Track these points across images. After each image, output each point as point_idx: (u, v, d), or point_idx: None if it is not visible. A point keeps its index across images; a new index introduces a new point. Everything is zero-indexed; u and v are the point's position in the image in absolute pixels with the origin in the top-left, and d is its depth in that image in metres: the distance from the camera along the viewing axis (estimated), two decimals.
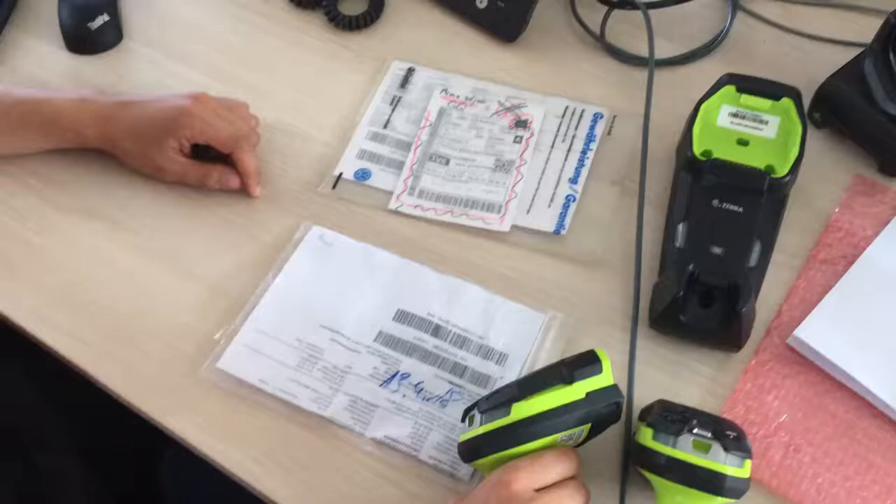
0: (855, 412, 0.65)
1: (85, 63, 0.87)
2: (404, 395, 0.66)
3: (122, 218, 0.76)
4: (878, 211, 0.75)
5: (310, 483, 0.63)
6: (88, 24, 0.86)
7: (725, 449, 0.55)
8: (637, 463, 0.58)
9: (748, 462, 0.56)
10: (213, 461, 0.65)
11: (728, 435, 0.56)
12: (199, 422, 0.66)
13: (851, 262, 0.72)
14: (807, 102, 0.77)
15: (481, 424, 0.57)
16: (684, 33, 0.86)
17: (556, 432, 0.55)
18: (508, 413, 0.55)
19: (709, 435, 0.56)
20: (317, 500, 0.63)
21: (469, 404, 0.61)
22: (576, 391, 0.55)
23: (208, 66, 0.86)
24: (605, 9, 0.87)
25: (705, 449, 0.55)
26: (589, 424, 0.57)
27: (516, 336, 0.69)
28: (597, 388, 0.56)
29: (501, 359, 0.68)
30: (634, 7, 0.86)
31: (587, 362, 0.56)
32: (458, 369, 0.67)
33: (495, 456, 0.56)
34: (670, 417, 0.58)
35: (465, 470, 0.63)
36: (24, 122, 0.76)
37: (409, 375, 0.67)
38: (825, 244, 0.73)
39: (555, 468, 0.55)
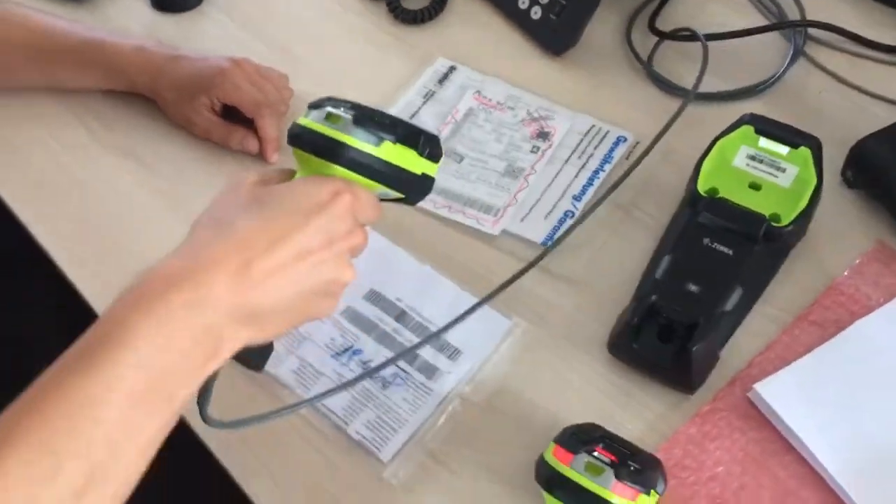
0: (798, 479, 0.61)
1: (163, 20, 0.94)
2: (350, 370, 0.68)
3: (152, 162, 0.82)
4: (891, 283, 0.70)
5: (240, 432, 0.66)
6: None
7: (617, 477, 0.53)
8: (535, 477, 0.57)
9: (644, 498, 0.54)
10: None
11: (629, 466, 0.54)
12: None
13: (843, 329, 0.67)
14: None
15: (350, 134, 0.53)
16: (736, 71, 0.84)
17: (390, 187, 0.55)
18: (378, 145, 0.53)
19: (606, 461, 0.54)
20: (241, 447, 0.65)
21: (404, 378, 0.64)
22: (421, 165, 0.55)
23: (269, 39, 0.91)
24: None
25: (597, 472, 0.54)
26: (404, 196, 0.56)
27: (476, 336, 0.69)
28: (429, 174, 0.56)
29: (455, 354, 0.68)
30: (686, 39, 0.85)
31: (437, 147, 0.56)
32: (410, 356, 0.68)
33: (329, 164, 0.53)
34: (581, 438, 0.57)
35: (386, 451, 0.64)
36: (87, 60, 0.83)
37: (361, 352, 0.69)
38: (822, 305, 0.69)
39: (373, 212, 0.55)
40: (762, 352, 0.67)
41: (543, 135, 0.81)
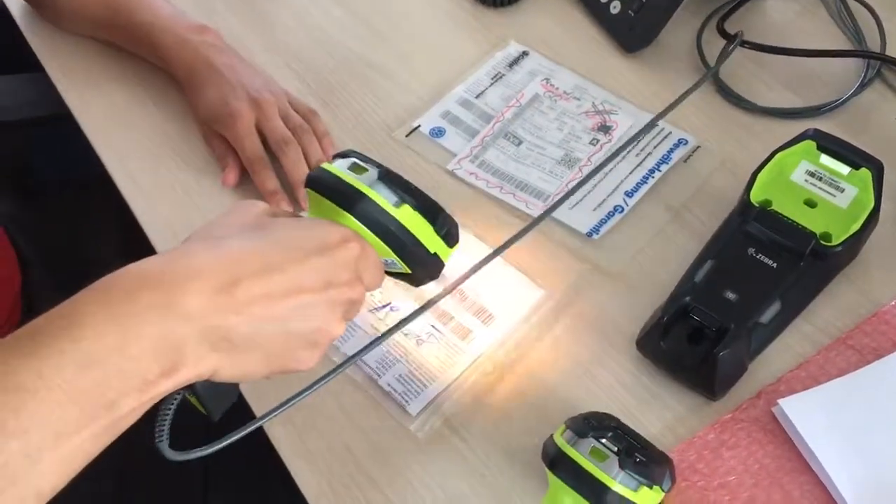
0: (810, 499, 0.61)
1: None
2: (386, 325, 0.70)
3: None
4: None
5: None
6: None
7: (621, 466, 0.54)
8: (542, 455, 0.58)
9: (647, 491, 0.54)
10: None
11: (635, 457, 0.55)
12: None
13: (881, 357, 0.66)
14: None
15: (372, 187, 0.52)
16: (813, 88, 0.83)
17: (399, 255, 0.53)
18: (398, 206, 0.52)
19: (614, 449, 0.55)
20: (274, 388, 0.67)
21: (437, 338, 0.65)
22: (435, 243, 0.54)
23: (352, 9, 0.93)
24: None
25: (601, 458, 0.54)
26: (410, 272, 0.55)
27: (508, 300, 0.70)
28: (441, 256, 0.55)
29: (488, 319, 0.70)
30: (752, 47, 0.83)
31: (455, 230, 0.55)
32: (446, 317, 0.70)
33: (344, 213, 0.52)
34: (593, 424, 0.57)
35: (414, 405, 0.66)
36: (137, 41, 0.85)
37: (399, 309, 0.71)
38: (863, 331, 0.68)
39: (376, 273, 0.53)
40: (793, 369, 0.67)
41: (605, 128, 0.81)
